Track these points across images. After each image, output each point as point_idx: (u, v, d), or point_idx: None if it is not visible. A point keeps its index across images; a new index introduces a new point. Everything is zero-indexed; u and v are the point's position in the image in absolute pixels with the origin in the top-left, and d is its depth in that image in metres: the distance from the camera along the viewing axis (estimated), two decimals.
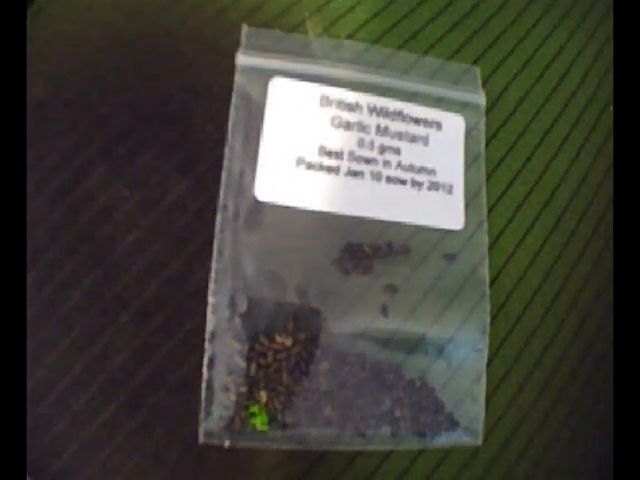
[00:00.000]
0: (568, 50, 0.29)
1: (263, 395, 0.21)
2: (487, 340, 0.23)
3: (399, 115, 0.24)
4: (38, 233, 0.21)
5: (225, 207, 0.22)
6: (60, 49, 0.23)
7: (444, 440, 0.22)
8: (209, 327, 0.21)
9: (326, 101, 0.24)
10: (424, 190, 0.24)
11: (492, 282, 0.24)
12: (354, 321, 0.22)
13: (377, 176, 0.23)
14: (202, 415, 0.20)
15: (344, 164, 0.23)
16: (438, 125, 0.25)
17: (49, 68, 0.23)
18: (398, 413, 0.22)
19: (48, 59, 0.23)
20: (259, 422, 0.20)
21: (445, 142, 0.25)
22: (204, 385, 0.20)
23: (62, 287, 0.21)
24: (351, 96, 0.24)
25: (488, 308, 0.24)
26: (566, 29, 0.29)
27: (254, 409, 0.20)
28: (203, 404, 0.20)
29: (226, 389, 0.20)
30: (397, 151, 0.24)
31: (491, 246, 0.25)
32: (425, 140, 0.24)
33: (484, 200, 0.25)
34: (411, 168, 0.24)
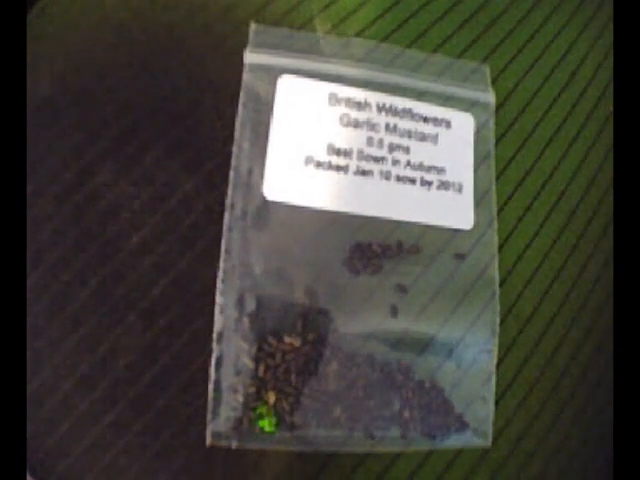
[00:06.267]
0: (577, 48, 0.29)
1: (271, 396, 0.20)
2: (497, 341, 0.23)
3: (408, 113, 0.24)
4: (44, 232, 0.21)
5: (233, 206, 0.22)
6: (67, 46, 0.23)
7: (453, 442, 0.22)
8: (217, 327, 0.21)
9: (335, 99, 0.23)
10: (434, 189, 0.24)
11: (502, 282, 0.24)
12: (363, 321, 0.22)
13: (386, 175, 0.23)
14: (209, 416, 0.20)
15: (353, 163, 0.23)
16: (447, 123, 0.24)
17: (56, 65, 0.23)
18: (407, 414, 0.22)
19: (55, 56, 0.23)
20: (267, 423, 0.20)
21: (454, 141, 0.24)
22: (211, 386, 0.20)
23: (68, 286, 0.21)
24: (360, 94, 0.24)
25: (498, 308, 0.23)
26: (575, 27, 0.29)
27: (262, 410, 0.20)
28: (210, 405, 0.20)
29: (234, 390, 0.20)
30: (406, 150, 0.24)
31: (501, 246, 0.25)
32: (434, 139, 0.24)
33: (494, 199, 0.25)
34: (420, 167, 0.24)
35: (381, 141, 0.23)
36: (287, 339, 0.21)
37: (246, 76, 0.23)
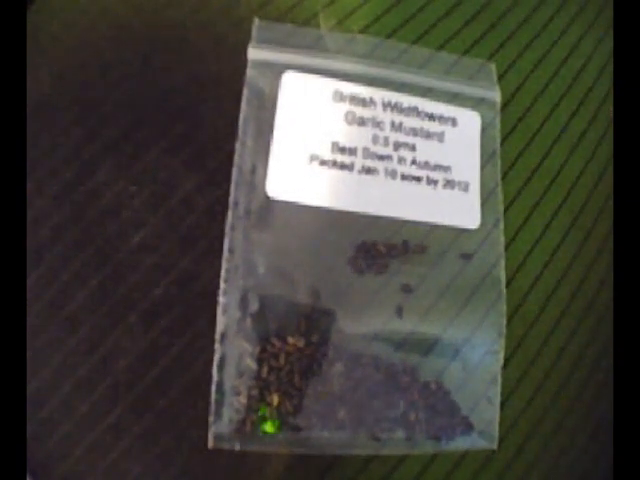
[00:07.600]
0: (584, 46, 0.29)
1: (275, 398, 0.20)
2: (503, 342, 0.23)
3: (414, 111, 0.24)
4: (43, 231, 0.21)
5: (236, 204, 0.21)
6: (66, 43, 0.23)
7: (459, 444, 0.22)
8: (219, 328, 0.20)
9: (339, 96, 0.23)
10: (439, 188, 0.23)
11: (508, 282, 0.24)
12: (368, 322, 0.22)
13: (392, 173, 0.23)
14: (212, 418, 0.20)
15: (358, 161, 0.23)
16: (453, 121, 0.24)
17: (55, 62, 0.23)
18: (413, 416, 0.21)
19: (54, 53, 0.23)
20: (270, 426, 0.20)
21: (461, 139, 0.24)
22: (214, 388, 0.20)
23: (67, 286, 0.21)
24: (365, 91, 0.23)
25: (505, 309, 0.23)
26: (582, 24, 0.29)
27: (265, 412, 0.20)
28: (213, 407, 0.20)
29: (237, 392, 0.20)
30: (412, 148, 0.23)
31: (507, 245, 0.24)
32: (440, 137, 0.24)
33: (500, 198, 0.24)
34: (426, 165, 0.23)
35: (386, 139, 0.23)
36: (291, 340, 0.21)
37: (249, 72, 0.23)
